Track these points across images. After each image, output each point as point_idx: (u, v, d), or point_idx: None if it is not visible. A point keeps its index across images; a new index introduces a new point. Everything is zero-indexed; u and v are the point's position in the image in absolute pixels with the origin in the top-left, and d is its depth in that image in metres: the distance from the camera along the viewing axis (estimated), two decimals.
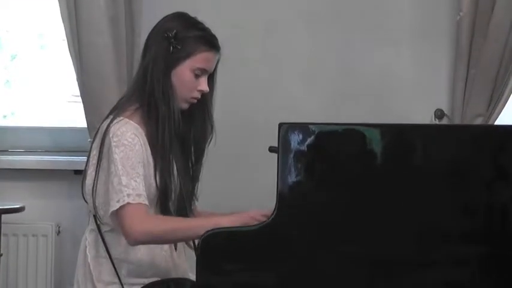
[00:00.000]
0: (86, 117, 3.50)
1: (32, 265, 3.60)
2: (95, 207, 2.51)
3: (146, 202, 2.45)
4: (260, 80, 3.62)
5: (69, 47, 3.53)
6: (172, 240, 2.55)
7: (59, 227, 3.64)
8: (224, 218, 2.40)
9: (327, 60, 3.63)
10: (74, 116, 3.77)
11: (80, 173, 3.25)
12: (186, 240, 2.56)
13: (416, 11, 3.62)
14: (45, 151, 3.75)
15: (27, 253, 3.59)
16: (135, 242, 2.45)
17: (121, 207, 2.42)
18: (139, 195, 2.43)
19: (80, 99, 3.57)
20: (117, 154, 2.44)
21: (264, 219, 2.29)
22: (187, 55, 2.54)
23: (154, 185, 2.51)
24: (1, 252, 3.36)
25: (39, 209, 3.60)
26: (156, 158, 2.51)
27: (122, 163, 2.44)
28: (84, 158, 2.63)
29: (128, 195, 2.42)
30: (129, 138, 2.46)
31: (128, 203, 2.41)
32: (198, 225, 2.35)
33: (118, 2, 3.47)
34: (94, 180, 2.51)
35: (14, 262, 3.59)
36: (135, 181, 2.44)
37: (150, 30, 2.64)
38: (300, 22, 3.64)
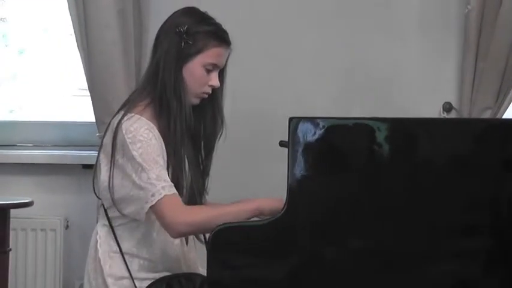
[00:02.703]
0: (94, 112, 3.48)
1: (41, 259, 3.59)
2: (114, 202, 2.50)
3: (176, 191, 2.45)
4: (269, 75, 3.61)
5: (77, 41, 3.52)
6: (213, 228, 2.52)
7: (67, 222, 3.64)
8: (264, 200, 2.41)
9: (335, 54, 3.62)
10: (81, 110, 3.76)
11: (88, 168, 3.27)
12: None
13: (424, 3, 3.61)
14: (54, 145, 3.74)
15: (35, 247, 3.59)
16: (178, 234, 2.45)
17: (158, 200, 2.41)
18: (171, 186, 2.43)
19: (85, 92, 3.57)
20: (136, 151, 2.44)
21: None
22: (199, 50, 2.54)
23: None
24: (10, 246, 3.36)
25: (48, 204, 3.60)
26: (169, 154, 2.51)
27: (143, 159, 2.43)
28: (93, 152, 2.62)
29: (163, 187, 2.41)
30: (144, 134, 2.46)
31: (165, 195, 2.41)
32: (238, 209, 2.35)
33: None
34: (109, 177, 2.49)
35: (22, 256, 3.59)
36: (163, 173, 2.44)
37: (157, 24, 2.63)
38: (308, 16, 3.63)
